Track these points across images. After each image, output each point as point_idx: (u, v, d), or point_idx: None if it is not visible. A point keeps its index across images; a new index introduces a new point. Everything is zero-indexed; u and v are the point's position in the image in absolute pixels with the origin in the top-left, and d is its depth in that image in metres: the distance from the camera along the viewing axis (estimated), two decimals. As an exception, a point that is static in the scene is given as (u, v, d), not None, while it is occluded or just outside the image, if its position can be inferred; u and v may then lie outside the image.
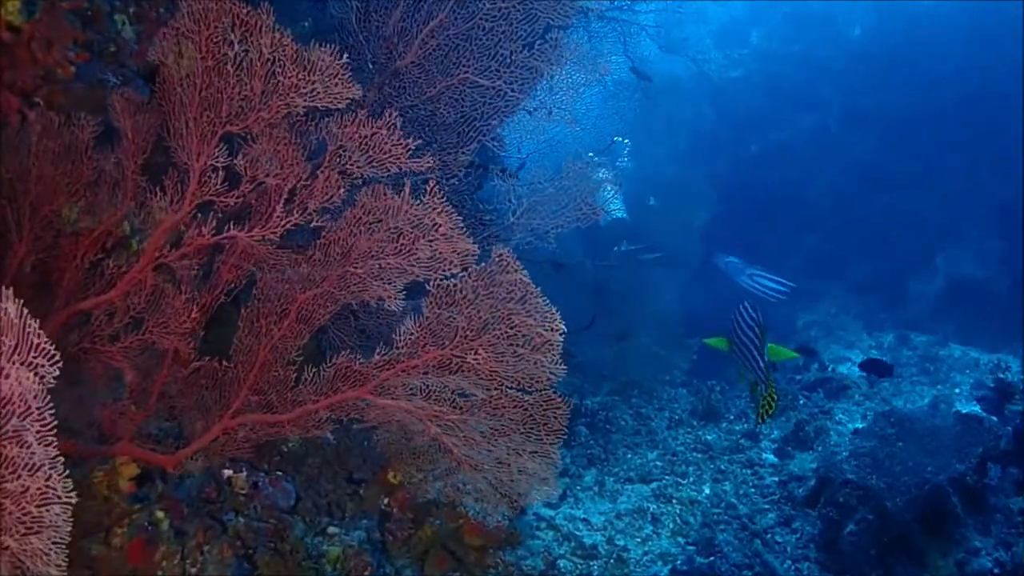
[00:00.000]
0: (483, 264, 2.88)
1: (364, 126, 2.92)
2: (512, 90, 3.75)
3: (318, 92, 2.81)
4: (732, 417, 6.48)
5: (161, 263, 3.11)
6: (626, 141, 7.01)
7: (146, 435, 3.34)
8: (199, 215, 3.08)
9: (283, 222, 2.96)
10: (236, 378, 3.28)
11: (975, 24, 10.36)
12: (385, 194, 2.92)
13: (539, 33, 3.67)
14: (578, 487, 5.20)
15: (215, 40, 2.92)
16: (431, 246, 2.88)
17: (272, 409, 3.33)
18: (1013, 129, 9.75)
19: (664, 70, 8.01)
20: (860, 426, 5.99)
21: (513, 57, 3.72)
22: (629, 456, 5.59)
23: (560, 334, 2.88)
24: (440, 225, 2.82)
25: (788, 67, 11.21)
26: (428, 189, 2.80)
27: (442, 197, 2.78)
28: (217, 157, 2.99)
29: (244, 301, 3.28)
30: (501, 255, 2.86)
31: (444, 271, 2.89)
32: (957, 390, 8.05)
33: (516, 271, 2.86)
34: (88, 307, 3.18)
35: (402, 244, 2.93)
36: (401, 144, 2.88)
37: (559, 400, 3.09)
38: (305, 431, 3.38)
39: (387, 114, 2.88)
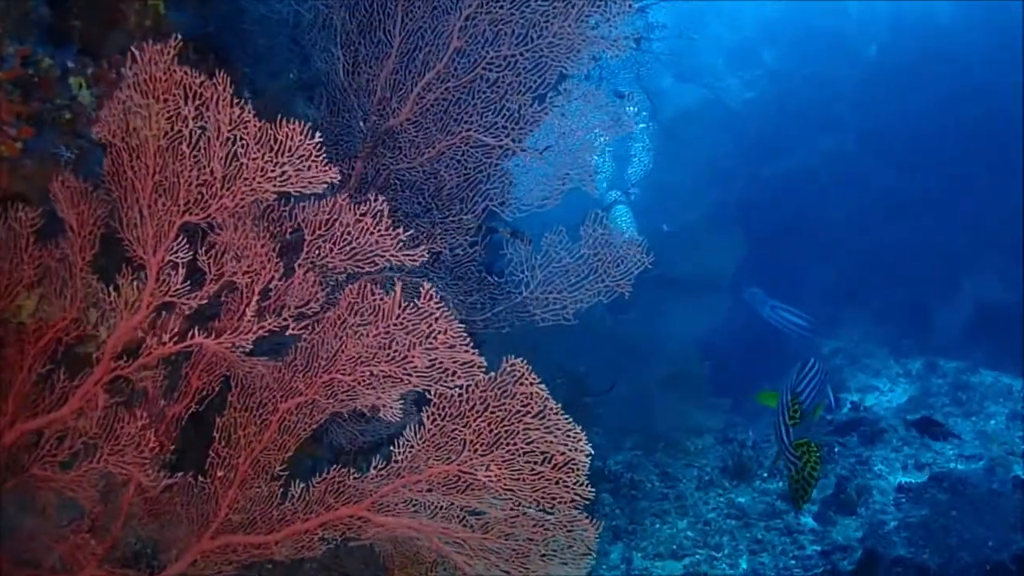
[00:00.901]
0: (492, 374, 2.34)
1: (346, 213, 2.37)
2: (522, 149, 3.19)
3: (289, 176, 2.26)
4: (765, 475, 5.89)
5: (118, 375, 2.57)
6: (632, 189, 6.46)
7: (115, 559, 2.80)
8: (161, 317, 2.55)
9: (255, 327, 2.41)
10: (214, 495, 2.74)
11: (996, 39, 9.73)
12: (373, 294, 2.37)
13: (551, 83, 3.11)
14: (604, 566, 4.63)
15: (167, 115, 2.39)
16: (429, 355, 2.32)
17: (256, 529, 2.80)
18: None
19: (680, 99, 7.48)
20: (904, 480, 5.41)
21: (522, 112, 3.16)
22: (658, 526, 5.02)
23: (586, 455, 2.33)
24: (439, 333, 2.26)
25: (803, 88, 10.60)
26: (424, 292, 2.24)
27: (439, 303, 2.22)
28: (176, 251, 2.45)
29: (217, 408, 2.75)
30: (514, 366, 2.31)
31: (446, 382, 2.34)
32: (993, 422, 7.42)
33: (532, 384, 2.31)
34: (37, 426, 2.64)
35: (395, 351, 2.38)
36: (389, 235, 2.32)
37: (585, 521, 2.53)
38: (295, 552, 2.83)
39: (373, 200, 2.33)
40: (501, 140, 3.19)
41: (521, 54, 3.11)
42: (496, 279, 3.35)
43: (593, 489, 2.37)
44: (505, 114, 3.16)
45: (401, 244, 2.33)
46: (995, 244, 9.23)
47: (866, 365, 9.11)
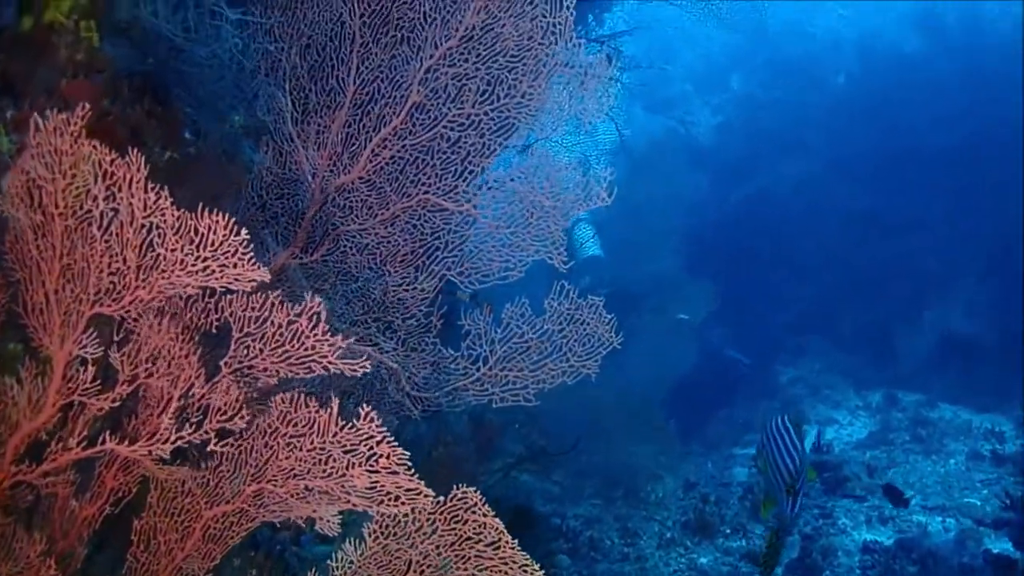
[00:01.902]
0: (442, 499, 2.03)
1: (278, 312, 2.03)
2: (485, 216, 2.86)
3: (212, 271, 1.92)
4: (728, 531, 5.63)
5: (19, 480, 2.22)
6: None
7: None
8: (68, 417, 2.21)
9: (172, 437, 2.06)
10: (130, 606, 2.40)
11: (965, 68, 9.58)
12: (307, 405, 2.04)
13: (517, 146, 2.79)
14: (562, 640, 4.34)
15: (74, 193, 2.03)
16: (370, 477, 1.99)
17: (179, 643, 2.45)
18: (1004, 176, 8.97)
19: (649, 132, 7.21)
20: (868, 537, 5.18)
21: (485, 176, 2.83)
22: (619, 593, 4.74)
23: (544, 591, 2.03)
24: (380, 456, 1.94)
25: (771, 113, 10.38)
26: (363, 414, 1.92)
27: (380, 426, 1.90)
28: (86, 345, 2.11)
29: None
30: (466, 495, 2.02)
31: (388, 506, 2.01)
32: (953, 461, 7.25)
33: (485, 515, 2.01)
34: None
35: (333, 467, 2.05)
36: (326, 341, 1.99)
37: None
38: (223, 666, 2.48)
39: (309, 300, 1.99)
40: (461, 205, 2.86)
41: (486, 113, 2.78)
42: (452, 353, 3.03)
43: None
44: (467, 178, 2.84)
45: (340, 351, 1.99)
46: (961, 273, 9.10)
47: (826, 396, 8.93)
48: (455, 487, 2.01)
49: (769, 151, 10.06)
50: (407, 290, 3.00)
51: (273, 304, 2.04)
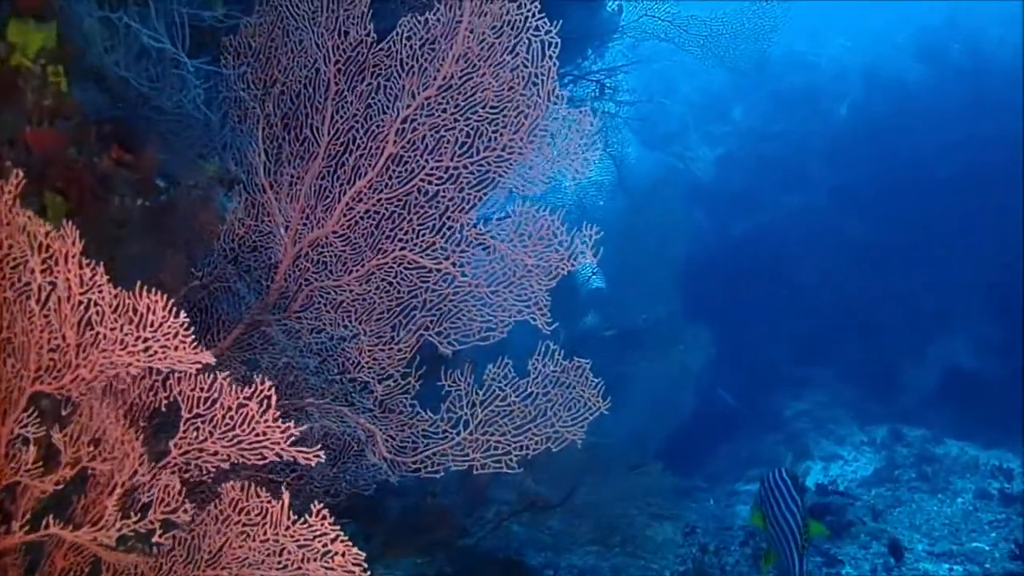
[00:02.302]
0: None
1: (227, 395, 1.86)
2: (464, 275, 2.69)
3: (154, 351, 1.76)
4: (728, 584, 5.42)
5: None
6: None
7: None
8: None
9: (117, 525, 1.89)
10: None
11: (969, 96, 9.40)
12: (258, 495, 1.87)
13: (499, 201, 2.63)
14: None
15: (12, 264, 1.88)
16: (328, 573, 1.82)
17: None
18: (1009, 206, 8.77)
19: (647, 169, 7.02)
20: (875, 586, 4.96)
21: (464, 232, 2.67)
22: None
23: None
24: (336, 555, 1.76)
25: (773, 145, 10.21)
26: (314, 511, 1.74)
27: (333, 524, 1.72)
28: (27, 424, 1.95)
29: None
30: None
31: (348, 604, 1.83)
32: (960, 500, 7.01)
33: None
34: None
35: (288, 559, 1.87)
36: (278, 427, 1.82)
37: None
38: None
39: (258, 383, 1.83)
40: (439, 263, 2.69)
41: (465, 166, 2.62)
42: (431, 415, 2.85)
43: None
44: (445, 234, 2.67)
45: (292, 438, 1.82)
46: (966, 305, 8.88)
47: (830, 431, 8.70)
48: None
49: (771, 183, 9.89)
50: (383, 350, 2.83)
51: (222, 386, 1.87)
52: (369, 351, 2.84)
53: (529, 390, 2.81)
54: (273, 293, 2.94)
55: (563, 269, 2.60)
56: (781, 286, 9.44)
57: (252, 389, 1.86)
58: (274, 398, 1.86)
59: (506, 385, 2.82)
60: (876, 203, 9.45)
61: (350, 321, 2.85)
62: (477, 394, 2.84)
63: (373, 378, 2.88)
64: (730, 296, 9.23)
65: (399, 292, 2.77)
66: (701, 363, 5.28)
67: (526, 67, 2.50)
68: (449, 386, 2.86)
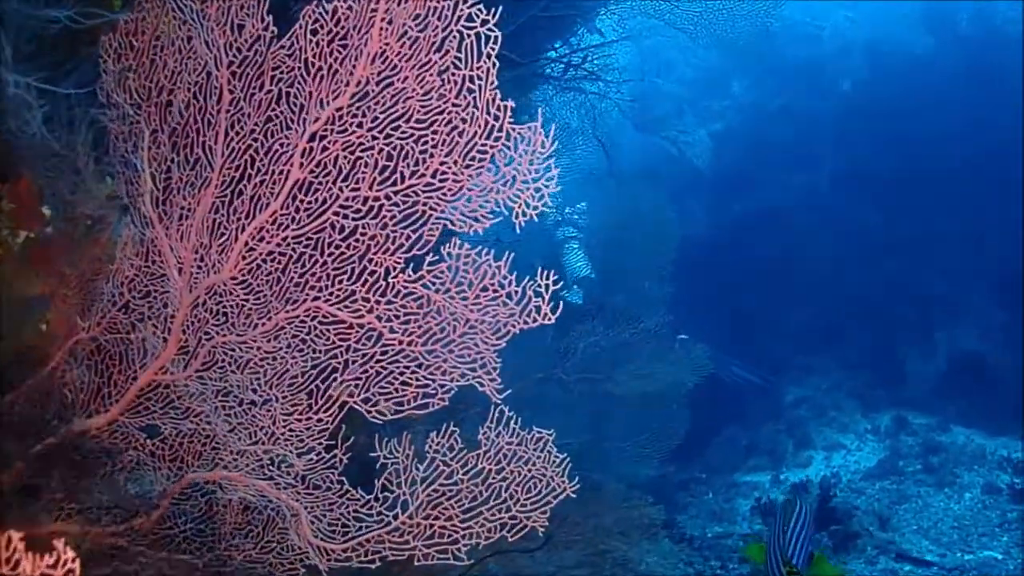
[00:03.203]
0: None
1: (26, 561, 1.24)
2: (393, 331, 2.05)
3: None
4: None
5: None
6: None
7: None
8: None
9: None
10: None
11: (980, 71, 8.56)
12: None
13: (431, 241, 1.97)
14: None
15: None
16: None
17: None
18: (1018, 190, 8.01)
19: (640, 155, 6.34)
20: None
21: (390, 280, 2.02)
22: None
23: None
24: None
25: (774, 122, 9.41)
26: None
27: None
28: None
29: None
30: None
31: None
32: (968, 495, 6.40)
33: None
34: None
35: None
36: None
37: None
38: None
39: (62, 551, 1.19)
40: (361, 317, 2.04)
41: (387, 197, 1.96)
42: (363, 494, 2.22)
43: None
44: (367, 281, 2.02)
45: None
46: (973, 291, 8.16)
47: (833, 419, 8.06)
48: None
49: (772, 162, 9.11)
50: (300, 419, 2.19)
51: (17, 547, 1.25)
52: (284, 421, 2.21)
53: (480, 466, 2.17)
54: (170, 348, 2.30)
55: (514, 326, 1.95)
56: (782, 270, 8.73)
57: (55, 557, 1.23)
58: (78, 570, 1.23)
59: (453, 459, 2.19)
60: (881, 185, 8.68)
61: (259, 384, 2.21)
62: (418, 469, 2.21)
63: (291, 451, 2.25)
64: (729, 282, 8.53)
65: (315, 351, 2.13)
66: (695, 379, 4.63)
67: (458, 68, 1.82)
68: (385, 459, 2.23)
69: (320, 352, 2.13)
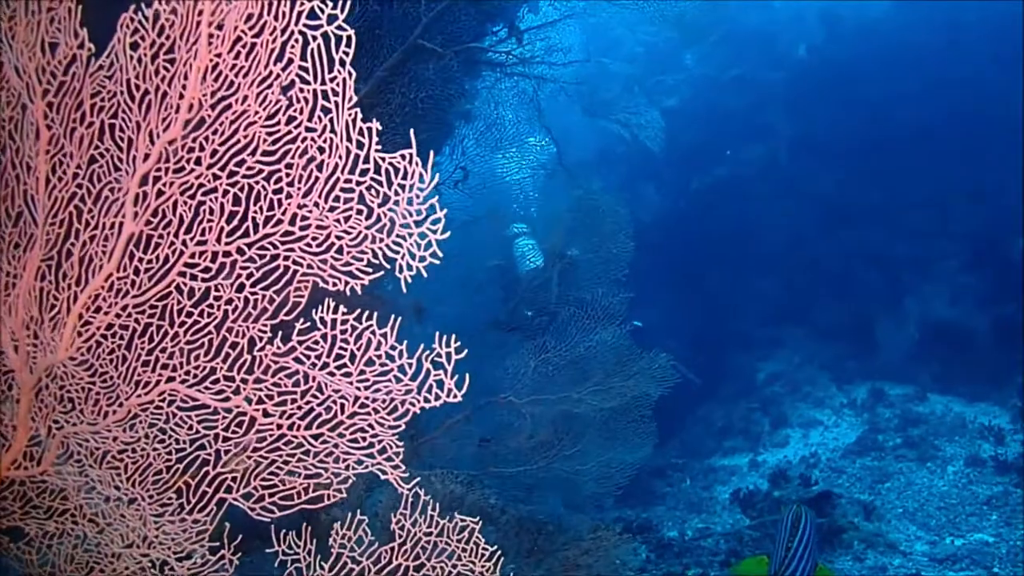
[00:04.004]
0: None
1: None
2: (268, 414, 1.61)
3: None
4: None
5: None
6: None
7: None
8: None
9: None
10: None
11: (937, 37, 8.15)
12: None
13: (300, 304, 1.53)
14: None
15: None
16: None
17: None
18: (982, 151, 7.65)
19: (591, 142, 5.89)
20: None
21: (257, 353, 1.59)
22: None
23: None
24: None
25: (729, 93, 8.95)
26: None
27: None
28: None
29: None
30: None
31: None
32: (951, 469, 6.08)
33: None
34: None
35: None
36: None
37: None
38: None
39: None
40: (226, 399, 1.60)
41: (240, 251, 1.51)
42: (259, 602, 1.80)
43: None
44: (228, 356, 1.58)
45: None
46: (942, 255, 7.80)
47: (807, 394, 7.72)
48: None
49: (728, 135, 8.67)
50: (172, 520, 1.75)
51: None
52: (155, 522, 1.77)
53: (396, 562, 1.75)
54: (19, 439, 1.84)
55: (414, 405, 1.52)
56: (744, 243, 8.33)
57: None
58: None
59: (362, 554, 1.76)
60: (841, 151, 8.27)
61: (123, 481, 1.77)
62: (322, 568, 1.79)
63: (169, 555, 1.82)
64: (690, 261, 8.12)
65: (178, 442, 1.69)
66: (661, 390, 4.22)
67: (308, 82, 1.37)
68: (284, 555, 1.81)
69: (184, 442, 1.69)
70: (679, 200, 8.56)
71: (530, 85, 5.30)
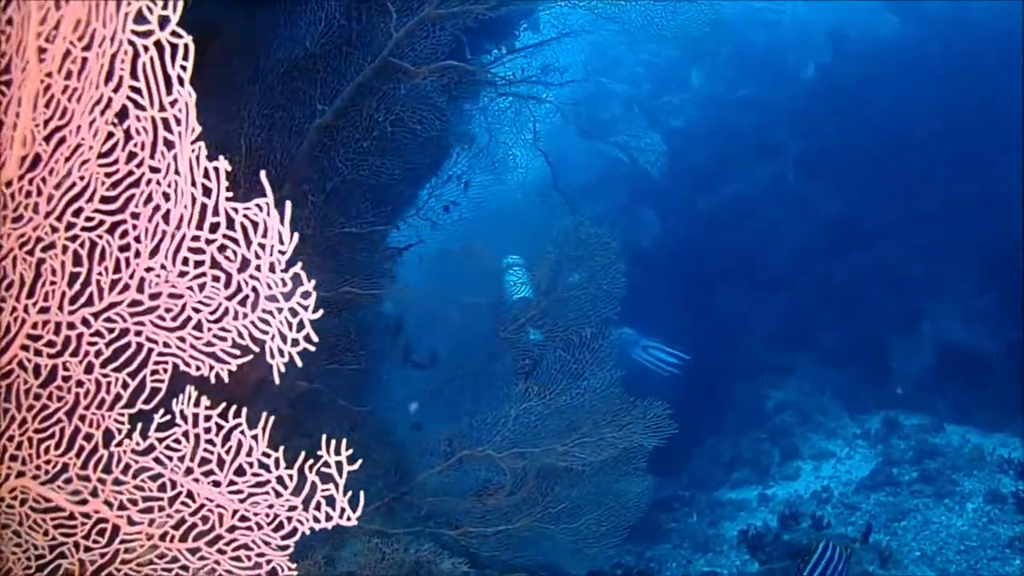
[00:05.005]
0: None
1: None
2: (133, 522, 1.26)
3: None
4: None
5: None
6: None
7: None
8: None
9: None
10: None
11: (946, 54, 7.76)
12: None
13: (162, 391, 1.18)
14: None
15: None
16: None
17: None
18: (993, 169, 7.23)
19: (588, 166, 5.54)
20: None
21: (114, 449, 1.23)
22: None
23: None
24: None
25: (736, 113, 8.58)
26: None
27: None
28: None
29: None
30: None
31: None
32: (971, 506, 5.64)
33: None
34: None
35: None
36: None
37: None
38: None
39: None
40: (84, 501, 1.25)
41: (85, 321, 1.18)
42: None
43: None
44: (81, 450, 1.24)
45: None
46: (956, 278, 7.36)
47: (819, 424, 7.29)
48: None
49: (736, 155, 8.29)
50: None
51: None
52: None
53: None
54: None
55: (302, 524, 1.16)
56: (752, 265, 7.91)
57: None
58: None
59: None
60: (851, 171, 7.86)
61: None
62: None
63: None
64: (696, 282, 7.71)
65: (36, 547, 1.34)
66: (656, 441, 3.82)
67: (145, 107, 1.03)
68: None
69: (42, 548, 1.34)
70: (685, 222, 8.16)
71: (524, 105, 4.97)
